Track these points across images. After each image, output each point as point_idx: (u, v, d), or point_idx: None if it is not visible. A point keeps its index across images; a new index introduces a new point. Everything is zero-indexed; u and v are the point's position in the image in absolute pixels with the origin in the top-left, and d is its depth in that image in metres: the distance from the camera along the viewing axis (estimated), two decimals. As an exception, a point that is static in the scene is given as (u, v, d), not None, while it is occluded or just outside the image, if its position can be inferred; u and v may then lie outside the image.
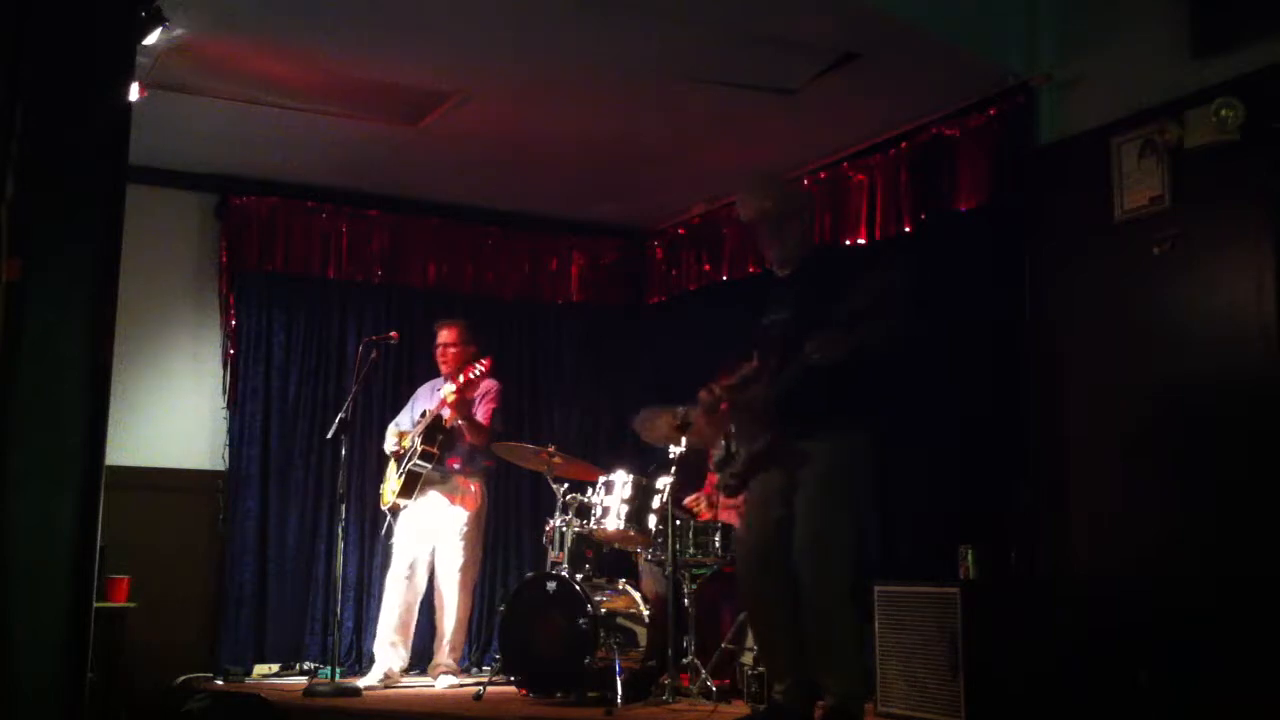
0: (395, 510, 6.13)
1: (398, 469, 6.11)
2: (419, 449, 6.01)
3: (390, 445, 6.27)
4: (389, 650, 6.03)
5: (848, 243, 5.98)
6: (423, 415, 6.16)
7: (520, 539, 7.30)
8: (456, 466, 6.13)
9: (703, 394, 4.35)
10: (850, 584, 4.06)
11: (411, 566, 6.10)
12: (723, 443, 4.35)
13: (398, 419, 6.42)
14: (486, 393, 6.18)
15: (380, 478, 6.47)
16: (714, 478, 5.99)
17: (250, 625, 6.64)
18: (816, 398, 3.98)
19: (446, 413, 6.01)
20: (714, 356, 6.03)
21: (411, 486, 6.03)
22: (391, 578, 6.15)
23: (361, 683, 5.87)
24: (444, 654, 6.09)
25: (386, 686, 5.89)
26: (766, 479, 4.18)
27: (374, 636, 6.31)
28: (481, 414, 6.10)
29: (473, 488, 6.16)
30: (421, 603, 6.17)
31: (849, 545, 4.07)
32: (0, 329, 2.44)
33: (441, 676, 6.01)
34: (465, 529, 6.10)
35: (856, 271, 3.98)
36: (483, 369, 5.96)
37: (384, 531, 6.27)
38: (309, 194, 7.08)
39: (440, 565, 6.11)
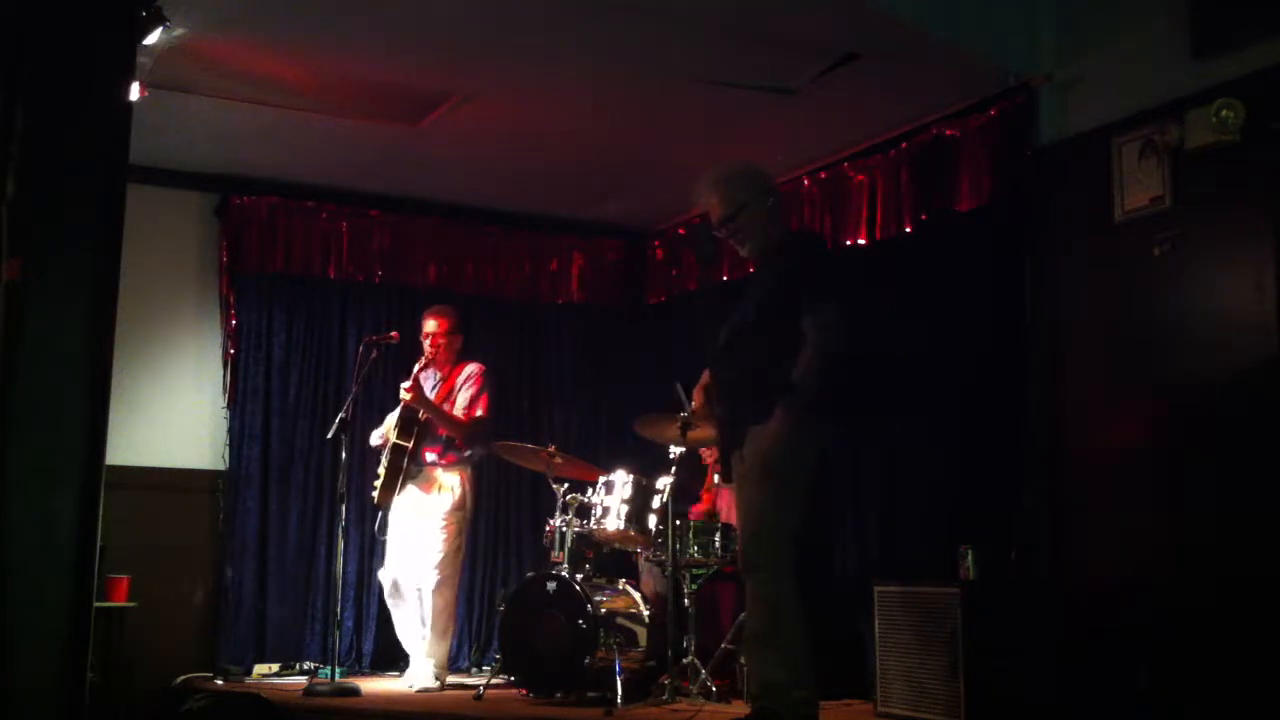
0: (383, 507, 5.91)
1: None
2: (391, 443, 5.85)
3: (375, 440, 6.16)
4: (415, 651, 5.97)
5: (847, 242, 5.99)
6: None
7: (520, 539, 7.30)
8: (432, 458, 5.90)
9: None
10: (779, 567, 3.85)
11: (395, 583, 5.90)
12: None
13: (390, 415, 6.29)
14: (469, 378, 5.98)
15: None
16: (713, 468, 6.01)
17: (250, 625, 6.64)
18: (749, 383, 4.01)
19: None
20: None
21: (392, 482, 5.80)
22: (385, 591, 6.02)
23: (400, 683, 5.93)
24: (419, 661, 5.85)
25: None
26: (739, 466, 4.09)
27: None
28: (463, 403, 5.90)
29: (451, 479, 5.90)
30: None
31: (776, 526, 3.88)
32: (0, 329, 2.44)
33: (417, 685, 5.74)
34: (443, 523, 5.81)
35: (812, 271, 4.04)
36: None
37: (377, 527, 6.07)
38: (309, 194, 7.07)
39: (417, 565, 5.82)
